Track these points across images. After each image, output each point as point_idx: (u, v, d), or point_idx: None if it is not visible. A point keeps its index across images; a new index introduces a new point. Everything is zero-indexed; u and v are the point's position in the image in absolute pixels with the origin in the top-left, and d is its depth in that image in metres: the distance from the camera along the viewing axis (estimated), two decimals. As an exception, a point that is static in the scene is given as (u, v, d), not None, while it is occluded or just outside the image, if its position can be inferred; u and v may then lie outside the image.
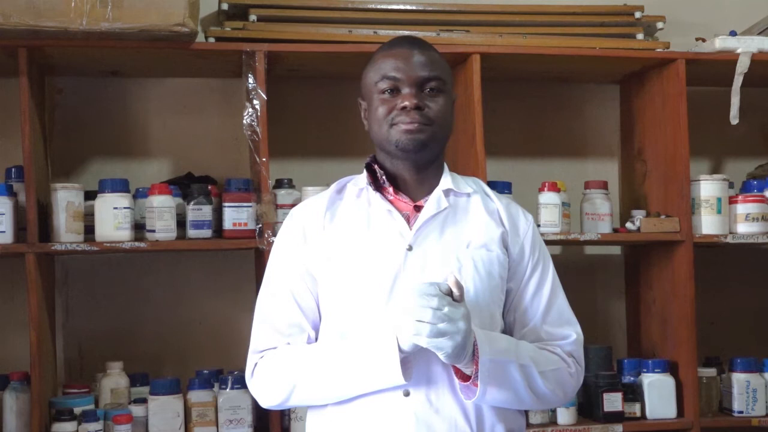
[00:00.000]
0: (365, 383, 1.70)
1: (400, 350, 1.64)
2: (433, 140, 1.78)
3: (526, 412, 2.78)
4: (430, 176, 1.84)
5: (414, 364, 1.69)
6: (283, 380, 1.76)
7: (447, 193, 1.83)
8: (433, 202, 1.81)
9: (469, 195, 1.86)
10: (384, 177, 1.84)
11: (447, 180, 1.84)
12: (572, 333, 1.84)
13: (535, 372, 1.73)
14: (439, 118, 1.78)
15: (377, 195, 1.82)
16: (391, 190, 1.83)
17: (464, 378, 1.69)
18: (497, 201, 1.88)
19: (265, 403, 1.82)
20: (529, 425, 2.79)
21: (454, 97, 1.87)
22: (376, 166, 1.85)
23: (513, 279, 1.83)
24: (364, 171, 1.87)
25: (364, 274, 1.75)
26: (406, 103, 1.75)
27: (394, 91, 1.78)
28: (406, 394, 1.70)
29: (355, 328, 1.74)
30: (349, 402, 1.74)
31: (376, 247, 1.77)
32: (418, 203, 1.82)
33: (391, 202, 1.82)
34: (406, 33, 2.00)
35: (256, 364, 1.81)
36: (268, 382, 1.79)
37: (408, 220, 1.80)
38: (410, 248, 1.76)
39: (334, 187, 1.89)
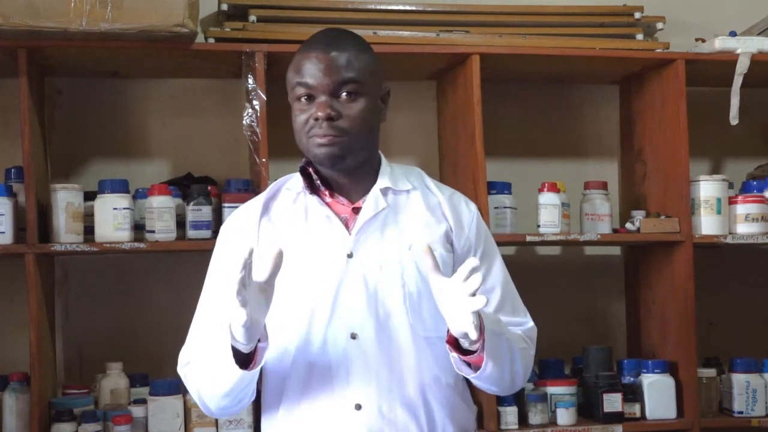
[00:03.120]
0: (225, 370, 1.63)
1: (233, 338, 1.58)
2: (350, 151, 1.70)
3: (525, 413, 2.79)
4: (364, 176, 1.77)
5: (355, 376, 1.67)
6: (194, 387, 1.75)
7: (385, 191, 1.77)
8: (371, 203, 1.75)
9: (408, 191, 1.80)
10: (319, 181, 1.78)
11: (384, 179, 1.78)
12: (528, 320, 1.81)
13: (516, 348, 1.70)
14: (354, 127, 1.69)
15: (314, 199, 1.76)
16: (327, 193, 1.77)
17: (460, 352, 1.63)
18: (439, 194, 1.82)
19: (210, 413, 1.80)
20: (528, 425, 2.78)
21: (383, 91, 1.78)
22: (310, 169, 1.79)
23: None
24: (298, 174, 1.80)
25: (306, 285, 1.70)
26: (319, 113, 1.68)
27: (310, 97, 1.71)
28: (358, 407, 1.68)
29: (298, 341, 1.70)
30: (300, 415, 1.71)
31: (317, 257, 1.71)
32: (356, 205, 1.76)
33: (328, 205, 1.76)
34: (332, 26, 1.88)
35: (185, 377, 1.79)
36: (195, 395, 1.78)
37: (347, 224, 1.75)
38: (351, 255, 1.72)
39: (267, 192, 1.83)
